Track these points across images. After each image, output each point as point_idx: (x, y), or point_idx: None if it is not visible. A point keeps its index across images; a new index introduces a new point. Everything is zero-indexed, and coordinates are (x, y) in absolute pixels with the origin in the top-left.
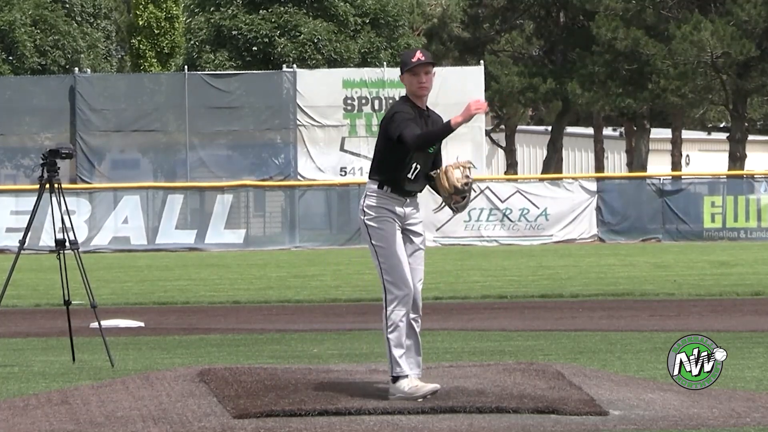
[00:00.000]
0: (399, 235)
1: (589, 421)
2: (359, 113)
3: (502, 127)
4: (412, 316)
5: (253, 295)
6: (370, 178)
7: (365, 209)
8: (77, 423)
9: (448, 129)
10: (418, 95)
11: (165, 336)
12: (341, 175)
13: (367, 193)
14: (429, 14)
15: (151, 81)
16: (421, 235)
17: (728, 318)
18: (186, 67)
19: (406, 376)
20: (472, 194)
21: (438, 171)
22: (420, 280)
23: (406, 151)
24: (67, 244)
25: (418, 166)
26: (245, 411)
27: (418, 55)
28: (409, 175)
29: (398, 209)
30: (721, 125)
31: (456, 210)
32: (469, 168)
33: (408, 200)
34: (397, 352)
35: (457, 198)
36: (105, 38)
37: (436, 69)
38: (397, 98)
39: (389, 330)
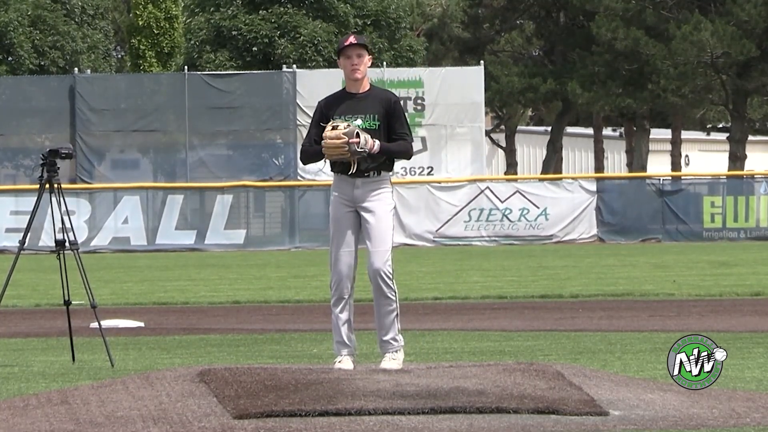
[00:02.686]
0: (346, 217)
1: (589, 421)
2: None
3: (502, 127)
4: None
5: (253, 295)
6: None
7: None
8: (77, 423)
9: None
10: (352, 78)
11: (165, 336)
12: None
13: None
14: (429, 14)
15: (151, 81)
16: (372, 212)
17: (728, 318)
18: (186, 67)
19: (338, 355)
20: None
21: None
22: (376, 259)
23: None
24: (67, 244)
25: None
26: (245, 411)
27: (351, 39)
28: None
29: (349, 192)
30: (721, 125)
31: (357, 153)
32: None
33: (360, 182)
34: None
35: (346, 149)
36: (104, 38)
37: (437, 69)
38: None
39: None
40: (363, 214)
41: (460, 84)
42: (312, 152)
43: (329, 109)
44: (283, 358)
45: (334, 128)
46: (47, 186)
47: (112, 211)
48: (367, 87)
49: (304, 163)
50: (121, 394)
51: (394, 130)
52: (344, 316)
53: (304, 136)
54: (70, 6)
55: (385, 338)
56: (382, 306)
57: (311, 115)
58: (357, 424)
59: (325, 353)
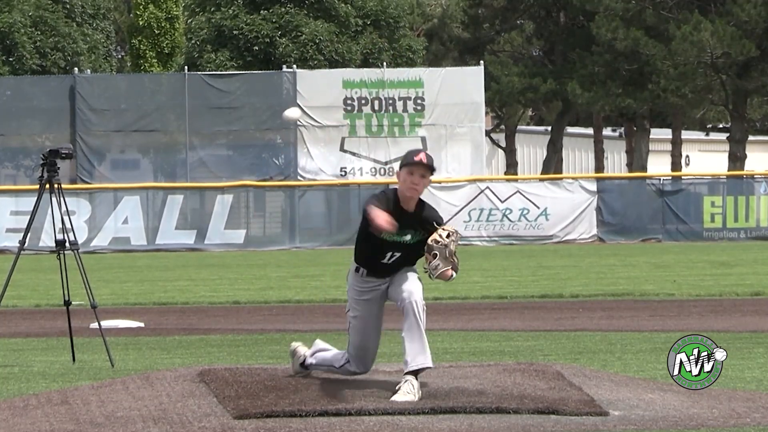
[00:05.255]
0: (377, 306)
1: (589, 421)
2: (359, 113)
3: (502, 127)
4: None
5: (253, 295)
6: (354, 257)
7: (349, 278)
8: (77, 423)
9: (375, 227)
10: (407, 195)
11: (165, 336)
12: (341, 175)
13: (351, 269)
14: (429, 14)
15: (151, 81)
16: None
17: (728, 318)
18: (186, 67)
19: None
20: (443, 260)
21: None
22: (413, 286)
23: (379, 239)
24: (67, 244)
25: (395, 255)
26: (245, 411)
27: (421, 155)
28: (384, 261)
29: (379, 285)
30: (721, 125)
31: (429, 274)
32: (450, 233)
33: (389, 279)
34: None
35: (428, 257)
36: (105, 38)
37: (437, 69)
38: (397, 100)
39: (335, 368)
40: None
41: (460, 84)
42: (373, 217)
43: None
44: (283, 359)
45: (440, 236)
46: (47, 186)
47: (112, 211)
48: (417, 204)
49: (368, 222)
50: (121, 394)
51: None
52: None
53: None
54: (70, 6)
55: None
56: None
57: (311, 115)
58: (357, 424)
59: None
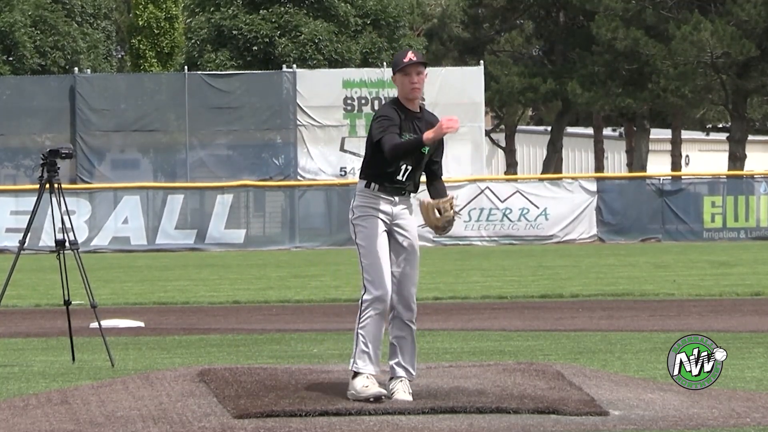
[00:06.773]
0: (384, 234)
1: (589, 421)
2: (359, 113)
3: (502, 127)
4: (405, 317)
5: (253, 295)
6: (359, 177)
7: (353, 209)
8: (77, 423)
9: (419, 143)
10: (410, 97)
11: (165, 336)
12: (341, 175)
13: (357, 192)
14: (429, 14)
15: (151, 81)
16: (411, 234)
17: (728, 318)
18: (186, 67)
19: (363, 373)
20: (453, 224)
21: (421, 202)
22: (414, 285)
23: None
24: (67, 244)
25: (409, 167)
26: (245, 411)
27: (410, 55)
28: (399, 176)
29: (387, 208)
30: (721, 125)
31: (437, 234)
32: (450, 203)
33: (398, 199)
34: (361, 348)
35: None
36: (105, 38)
37: (437, 69)
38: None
39: (360, 326)
40: (398, 234)
41: (460, 84)
42: (409, 146)
43: (401, 124)
44: (283, 358)
45: (447, 212)
46: (47, 186)
47: (112, 211)
48: (419, 106)
49: (398, 159)
50: (121, 394)
51: (435, 157)
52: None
53: (377, 131)
54: (70, 5)
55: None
56: (414, 326)
57: (311, 115)
58: (357, 424)
59: (325, 353)
